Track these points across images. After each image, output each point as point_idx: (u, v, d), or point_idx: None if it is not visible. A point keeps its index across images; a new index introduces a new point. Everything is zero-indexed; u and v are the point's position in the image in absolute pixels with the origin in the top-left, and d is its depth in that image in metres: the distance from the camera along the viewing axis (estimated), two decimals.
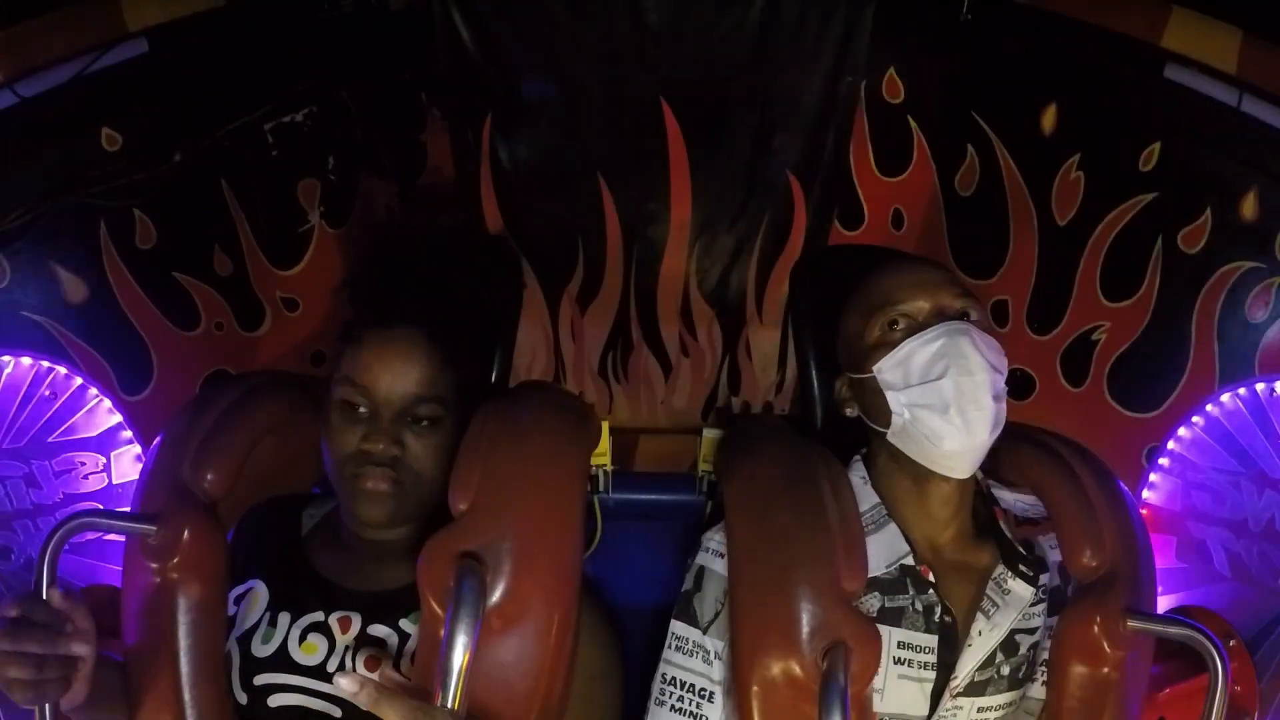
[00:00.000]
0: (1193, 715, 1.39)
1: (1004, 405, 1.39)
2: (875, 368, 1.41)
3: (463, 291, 1.48)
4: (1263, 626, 2.05)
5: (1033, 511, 1.52)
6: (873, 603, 1.40)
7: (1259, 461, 2.09)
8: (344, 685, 1.17)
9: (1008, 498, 1.53)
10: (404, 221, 1.56)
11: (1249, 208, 2.09)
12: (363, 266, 1.50)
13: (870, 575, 1.39)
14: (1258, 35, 1.97)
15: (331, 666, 1.38)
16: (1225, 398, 2.14)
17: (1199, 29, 2.01)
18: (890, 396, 1.41)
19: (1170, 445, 2.20)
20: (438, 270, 1.48)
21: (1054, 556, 1.50)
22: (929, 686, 1.40)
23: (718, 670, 1.43)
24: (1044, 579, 1.47)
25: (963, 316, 1.41)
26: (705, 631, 1.44)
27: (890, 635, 1.39)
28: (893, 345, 1.40)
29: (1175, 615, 1.90)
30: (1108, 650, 1.36)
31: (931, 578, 1.42)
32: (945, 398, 1.36)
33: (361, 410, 1.40)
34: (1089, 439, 1.63)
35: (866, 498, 1.47)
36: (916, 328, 1.40)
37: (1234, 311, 2.13)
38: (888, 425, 1.42)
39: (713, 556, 1.47)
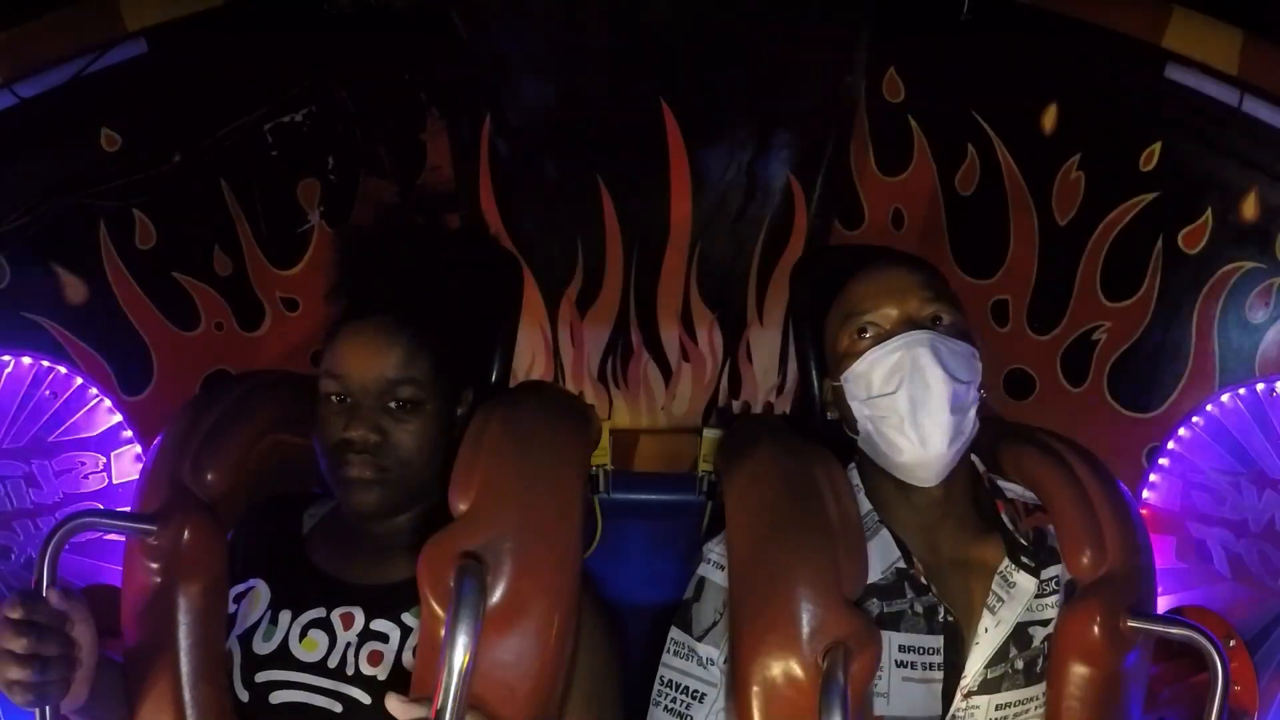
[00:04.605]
0: (1193, 715, 1.39)
1: (969, 415, 1.39)
2: (842, 377, 1.43)
3: (435, 279, 1.49)
4: (1263, 626, 2.05)
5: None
6: (871, 609, 1.40)
7: (1259, 461, 2.09)
8: None
9: (1015, 489, 1.53)
10: (384, 220, 1.58)
11: (1249, 208, 2.10)
12: (337, 268, 1.52)
13: (867, 582, 1.39)
14: (1259, 35, 1.97)
15: (332, 663, 1.38)
16: (1225, 398, 2.14)
17: (1200, 29, 2.01)
18: (854, 407, 1.42)
19: (1170, 445, 2.20)
20: (408, 261, 1.50)
21: None
22: (938, 687, 1.40)
23: (712, 674, 1.43)
24: (1055, 570, 1.46)
25: (935, 321, 1.41)
26: (701, 639, 1.45)
27: (890, 640, 1.38)
28: (858, 355, 1.41)
29: (1175, 615, 1.90)
30: (1108, 650, 1.36)
31: (925, 580, 1.42)
32: (900, 411, 1.37)
33: (342, 400, 1.41)
34: (1089, 439, 1.63)
35: (860, 505, 1.47)
36: (883, 336, 1.41)
37: (1234, 312, 2.14)
38: (857, 433, 1.44)
39: (713, 568, 1.48)
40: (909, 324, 1.40)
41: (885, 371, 1.39)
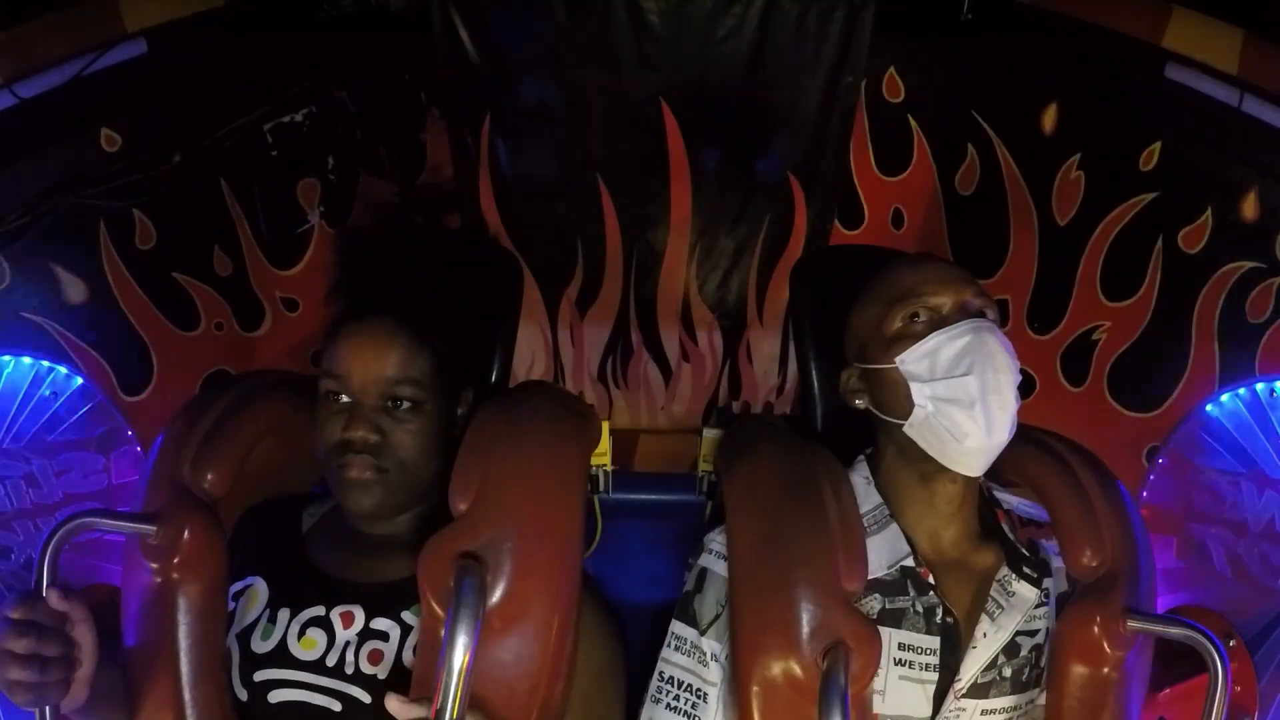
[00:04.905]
0: (1193, 715, 1.39)
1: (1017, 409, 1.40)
2: (899, 359, 1.41)
3: (435, 279, 1.49)
4: (1263, 626, 2.05)
5: (1036, 514, 1.51)
6: (873, 604, 1.40)
7: (1259, 461, 2.09)
8: None
9: (1011, 500, 1.53)
10: (384, 220, 1.58)
11: (1249, 208, 2.09)
12: (337, 268, 1.52)
13: (871, 577, 1.39)
14: (1259, 35, 1.97)
15: (331, 661, 1.38)
16: (1225, 398, 2.14)
17: (1200, 29, 2.01)
18: (915, 388, 1.40)
19: (1170, 445, 2.20)
20: (408, 262, 1.49)
21: (1059, 562, 1.50)
22: (931, 688, 1.39)
23: (714, 671, 1.43)
24: (1047, 583, 1.46)
25: (981, 315, 1.41)
26: (704, 633, 1.44)
27: (891, 637, 1.38)
28: (916, 337, 1.40)
29: (1175, 615, 1.90)
30: (1108, 650, 1.36)
31: (931, 579, 1.41)
32: (971, 393, 1.36)
33: (342, 399, 1.41)
34: (1089, 439, 1.63)
35: (869, 498, 1.46)
36: (940, 321, 1.40)
37: (1234, 311, 2.13)
38: (905, 417, 1.41)
39: (714, 558, 1.47)
40: (963, 312, 1.40)
41: (954, 354, 1.37)
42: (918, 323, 1.41)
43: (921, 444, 1.41)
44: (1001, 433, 1.36)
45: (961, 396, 1.36)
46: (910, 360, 1.40)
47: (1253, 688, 1.99)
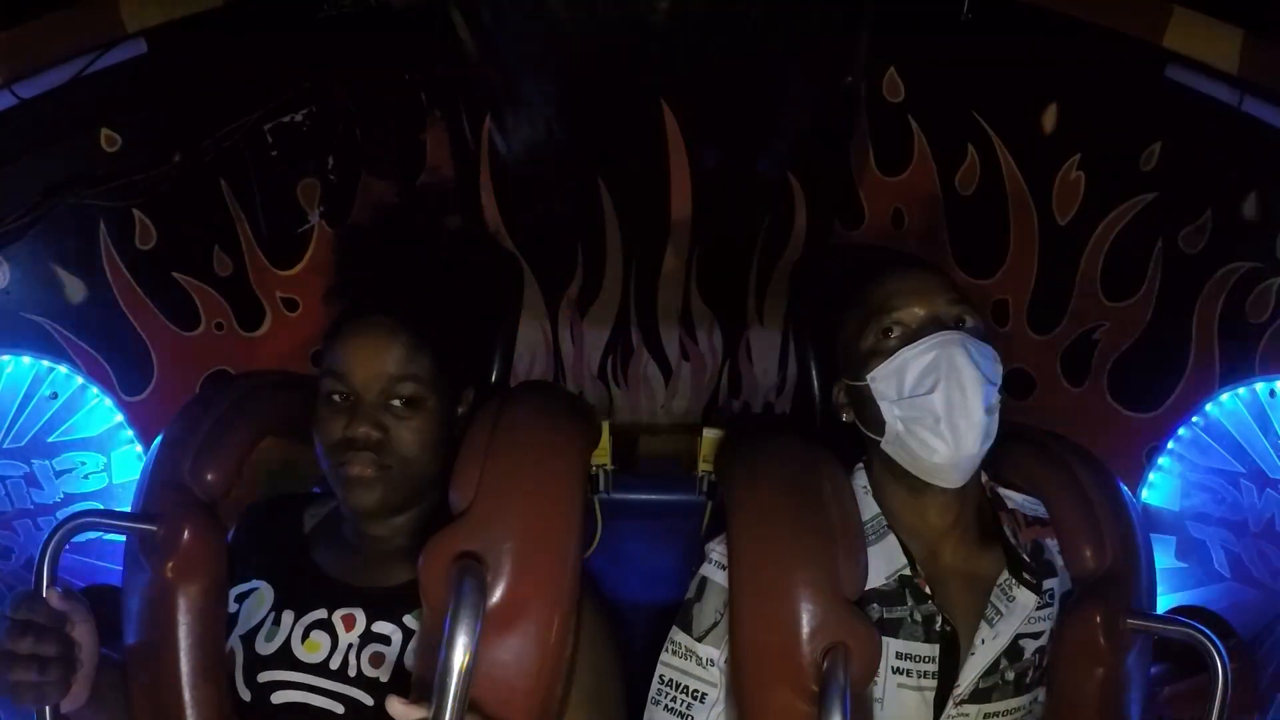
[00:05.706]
0: (1193, 715, 1.39)
1: (996, 417, 1.39)
2: (869, 377, 1.41)
3: (435, 279, 1.49)
4: (1263, 626, 2.05)
5: (1042, 512, 1.51)
6: (871, 614, 1.39)
7: (1259, 461, 2.09)
8: None
9: (1016, 498, 1.52)
10: (384, 220, 1.58)
11: (1249, 208, 2.10)
12: (337, 268, 1.52)
13: (869, 587, 1.39)
14: (1259, 35, 1.96)
15: (334, 664, 1.38)
16: (1225, 398, 2.15)
17: (1200, 29, 2.00)
18: (883, 407, 1.40)
19: (1170, 445, 2.21)
20: (408, 262, 1.50)
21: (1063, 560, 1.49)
22: (930, 695, 1.39)
23: (711, 673, 1.43)
24: (1051, 584, 1.46)
25: (958, 323, 1.40)
26: (701, 640, 1.45)
27: (888, 646, 1.38)
28: (887, 354, 1.40)
29: (1175, 615, 1.90)
30: (1108, 650, 1.36)
31: (928, 590, 1.41)
32: (936, 411, 1.35)
33: (343, 399, 1.41)
34: (1089, 439, 1.63)
35: (867, 507, 1.46)
36: (911, 336, 1.39)
37: (1234, 311, 2.14)
38: (881, 434, 1.42)
39: (715, 568, 1.48)
40: (936, 324, 1.39)
41: (919, 371, 1.37)
42: (890, 338, 1.41)
43: (898, 460, 1.41)
44: (970, 447, 1.36)
45: (926, 415, 1.36)
46: (880, 378, 1.40)
47: (1253, 688, 1.99)
